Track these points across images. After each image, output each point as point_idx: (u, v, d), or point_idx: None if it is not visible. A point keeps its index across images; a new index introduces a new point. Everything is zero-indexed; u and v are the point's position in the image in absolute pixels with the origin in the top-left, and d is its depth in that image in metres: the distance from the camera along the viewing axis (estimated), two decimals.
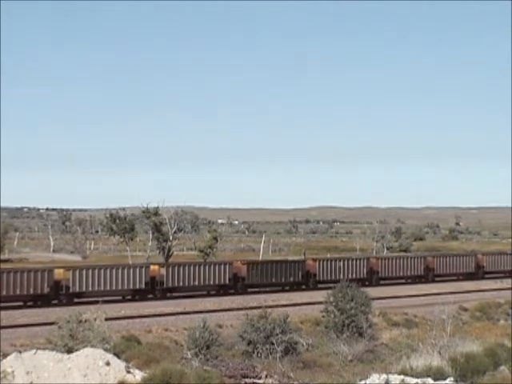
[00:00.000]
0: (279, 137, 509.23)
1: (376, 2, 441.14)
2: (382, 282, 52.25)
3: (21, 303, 38.61)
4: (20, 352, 18.61)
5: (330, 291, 31.14)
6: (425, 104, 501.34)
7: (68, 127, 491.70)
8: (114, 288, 41.36)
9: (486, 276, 58.34)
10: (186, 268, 44.31)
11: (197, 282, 44.48)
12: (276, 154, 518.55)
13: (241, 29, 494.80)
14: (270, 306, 30.39)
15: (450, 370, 20.54)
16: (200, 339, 23.18)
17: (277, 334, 25.40)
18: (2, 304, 36.68)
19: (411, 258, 56.87)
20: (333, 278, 48.23)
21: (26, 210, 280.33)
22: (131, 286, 42.11)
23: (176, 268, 44.09)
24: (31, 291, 38.68)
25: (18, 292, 38.32)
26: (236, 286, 46.28)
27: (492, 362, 21.78)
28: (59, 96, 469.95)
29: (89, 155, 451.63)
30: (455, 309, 36.44)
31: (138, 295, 42.47)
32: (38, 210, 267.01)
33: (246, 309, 31.42)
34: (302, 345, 27.02)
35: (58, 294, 39.67)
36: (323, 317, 30.85)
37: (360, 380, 20.12)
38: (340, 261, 51.41)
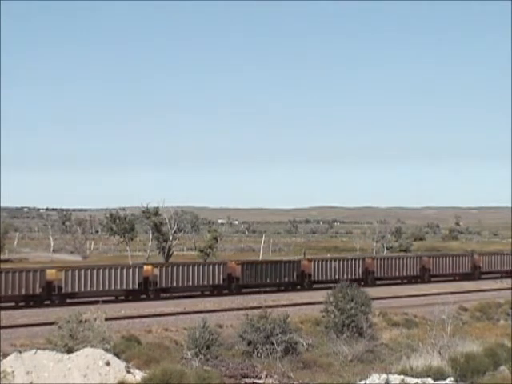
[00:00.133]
0: (279, 137, 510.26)
1: (376, 2, 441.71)
2: (377, 282, 52.21)
3: (13, 303, 38.27)
4: (20, 352, 18.59)
5: (329, 291, 31.09)
6: (425, 104, 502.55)
7: (68, 127, 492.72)
8: (106, 288, 41.20)
9: (483, 276, 58.28)
10: (180, 268, 44.21)
11: (191, 283, 44.37)
12: (276, 153, 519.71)
13: (241, 29, 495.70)
14: (270, 306, 30.33)
15: (449, 370, 20.51)
16: (200, 339, 23.16)
17: (277, 334, 25.36)
18: None
19: (407, 258, 56.85)
20: (328, 278, 48.39)
21: (26, 210, 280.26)
22: (124, 287, 41.98)
23: (170, 268, 44.03)
24: (23, 291, 38.39)
25: (9, 292, 38.02)
26: (230, 286, 46.17)
27: (492, 362, 21.75)
28: (59, 96, 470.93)
29: (89, 155, 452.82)
30: (455, 309, 36.43)
31: (131, 295, 42.35)
32: (38, 210, 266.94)
33: (246, 309, 31.36)
34: (302, 345, 26.98)
35: (50, 295, 39.40)
36: (323, 317, 30.81)
37: (360, 380, 20.09)
38: (335, 261, 51.41)
